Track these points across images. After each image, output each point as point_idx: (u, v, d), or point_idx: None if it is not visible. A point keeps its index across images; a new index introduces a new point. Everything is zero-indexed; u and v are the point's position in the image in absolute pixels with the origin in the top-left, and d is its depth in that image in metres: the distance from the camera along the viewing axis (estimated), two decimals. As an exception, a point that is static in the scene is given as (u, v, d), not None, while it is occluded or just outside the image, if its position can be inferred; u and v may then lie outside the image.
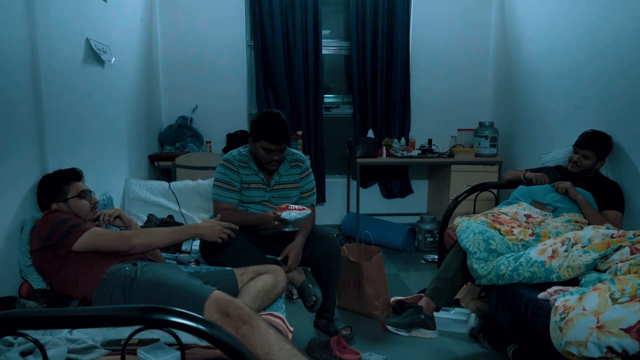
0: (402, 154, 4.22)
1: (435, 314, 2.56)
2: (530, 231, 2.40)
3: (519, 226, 2.49)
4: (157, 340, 1.42)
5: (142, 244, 1.90)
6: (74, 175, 2.07)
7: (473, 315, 2.70)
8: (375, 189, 4.74)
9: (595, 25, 3.02)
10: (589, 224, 2.46)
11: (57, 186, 2.02)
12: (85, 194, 2.05)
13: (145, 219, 2.99)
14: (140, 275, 1.74)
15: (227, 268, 2.11)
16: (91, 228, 1.87)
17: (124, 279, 1.73)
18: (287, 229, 2.33)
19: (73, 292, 1.81)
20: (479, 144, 4.18)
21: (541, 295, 1.96)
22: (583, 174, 2.77)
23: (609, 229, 2.19)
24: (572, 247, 2.07)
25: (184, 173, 3.60)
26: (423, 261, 3.96)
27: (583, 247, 2.04)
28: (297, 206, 2.32)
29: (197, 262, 2.45)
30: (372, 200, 4.68)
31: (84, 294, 1.78)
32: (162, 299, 1.64)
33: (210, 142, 4.32)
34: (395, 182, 4.69)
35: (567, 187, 2.62)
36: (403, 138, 4.51)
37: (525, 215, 2.59)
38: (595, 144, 2.71)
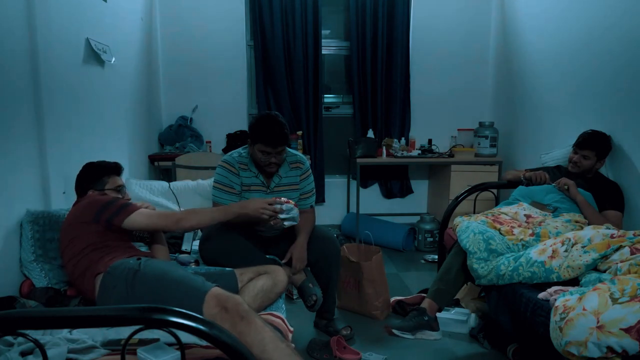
0: (402, 154, 4.22)
1: (437, 314, 2.57)
2: (530, 231, 2.40)
3: (519, 226, 2.49)
4: (157, 340, 1.42)
5: (192, 226, 2.03)
6: (116, 169, 2.14)
7: (473, 315, 2.70)
8: (375, 189, 4.74)
9: (595, 26, 3.02)
10: (589, 224, 2.46)
11: (98, 175, 2.08)
12: (121, 189, 2.11)
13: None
14: (143, 268, 1.75)
15: (227, 268, 2.11)
16: (140, 209, 1.97)
17: (127, 271, 1.74)
18: (285, 225, 2.20)
19: (79, 283, 1.84)
20: (479, 144, 4.18)
21: (541, 295, 1.96)
22: (583, 174, 2.77)
23: (609, 229, 2.19)
24: (572, 247, 2.07)
25: (184, 173, 3.60)
26: (423, 261, 3.96)
27: (583, 247, 2.04)
28: (283, 202, 2.17)
29: (197, 263, 2.45)
30: (372, 200, 4.68)
31: (87, 286, 1.81)
32: (164, 292, 1.66)
33: (210, 142, 4.33)
34: (395, 182, 4.69)
35: (570, 184, 2.62)
36: (403, 138, 4.51)
37: (525, 215, 2.59)
38: (594, 144, 2.71)
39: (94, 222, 1.88)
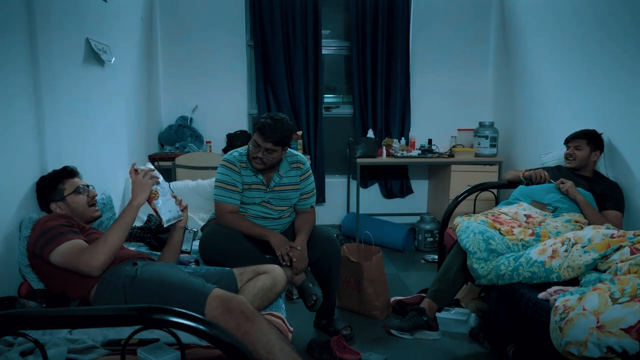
0: (402, 154, 4.22)
1: (436, 314, 2.57)
2: (530, 231, 2.40)
3: (519, 226, 2.49)
4: (157, 340, 1.42)
5: (108, 257, 1.74)
6: (68, 172, 2.07)
7: (473, 315, 2.70)
8: (375, 189, 4.74)
9: (595, 26, 3.02)
10: (589, 224, 2.46)
11: (52, 186, 2.02)
12: (81, 189, 2.05)
13: (145, 219, 2.99)
14: (140, 274, 1.74)
15: (227, 268, 2.11)
16: (72, 240, 1.76)
17: (124, 278, 1.72)
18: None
19: (71, 294, 1.80)
20: (479, 144, 4.18)
21: (541, 295, 1.96)
22: (580, 169, 2.79)
23: (609, 229, 2.19)
24: (572, 247, 2.07)
25: (184, 173, 3.60)
26: (423, 261, 3.96)
27: (583, 247, 2.04)
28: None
29: (197, 262, 2.45)
30: (372, 200, 4.68)
31: (82, 294, 1.78)
32: (164, 296, 1.64)
33: (210, 142, 4.32)
34: (395, 182, 4.69)
35: (569, 186, 2.63)
36: (403, 138, 4.51)
37: (525, 215, 2.59)
38: (583, 134, 2.78)
39: (32, 256, 1.82)
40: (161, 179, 1.99)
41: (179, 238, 2.13)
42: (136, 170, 1.94)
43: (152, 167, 2.00)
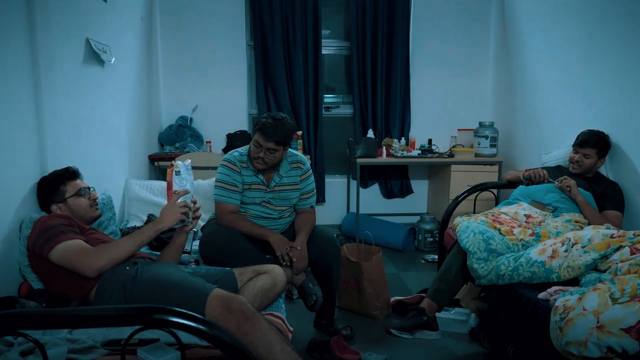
0: (402, 154, 4.22)
1: (436, 314, 2.57)
2: (530, 231, 2.40)
3: (519, 226, 2.49)
4: (157, 340, 1.42)
5: (108, 264, 1.74)
6: (70, 174, 2.06)
7: (473, 315, 2.69)
8: (375, 189, 4.74)
9: (595, 25, 3.02)
10: (589, 224, 2.46)
11: (54, 187, 2.01)
12: (83, 191, 2.04)
13: (146, 219, 2.99)
14: (141, 273, 1.74)
15: (227, 268, 2.10)
16: (71, 240, 1.75)
17: (124, 277, 1.72)
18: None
19: (70, 294, 1.80)
20: (479, 144, 4.18)
21: (541, 295, 1.96)
22: (584, 174, 2.78)
23: (609, 229, 2.19)
24: (572, 247, 2.07)
25: (184, 173, 3.60)
26: (423, 261, 3.96)
27: (583, 247, 2.04)
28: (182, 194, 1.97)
29: (197, 262, 2.45)
30: (372, 200, 4.68)
31: (81, 294, 1.77)
32: (164, 296, 1.64)
33: (210, 142, 4.33)
34: (395, 182, 4.69)
35: (572, 185, 2.62)
36: (403, 138, 4.51)
37: (525, 215, 2.59)
38: (595, 142, 2.72)
39: (31, 255, 1.82)
40: (188, 185, 1.97)
41: (182, 241, 2.09)
42: (175, 192, 1.92)
43: (187, 188, 1.96)
